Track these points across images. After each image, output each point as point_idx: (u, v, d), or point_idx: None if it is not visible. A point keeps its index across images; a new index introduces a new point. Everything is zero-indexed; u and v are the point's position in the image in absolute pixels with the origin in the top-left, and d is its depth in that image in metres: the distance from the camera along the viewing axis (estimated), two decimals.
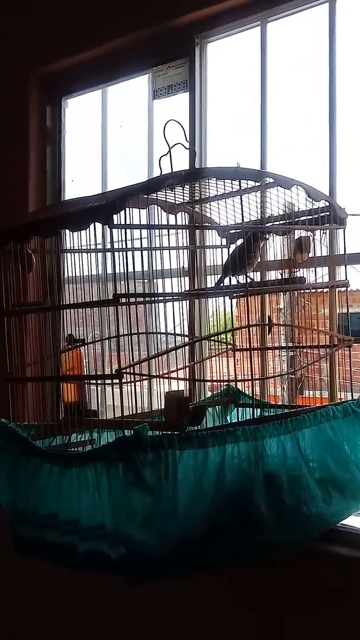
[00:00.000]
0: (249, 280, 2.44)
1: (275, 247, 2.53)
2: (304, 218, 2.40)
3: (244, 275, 2.44)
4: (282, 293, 2.64)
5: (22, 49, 3.56)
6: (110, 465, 1.91)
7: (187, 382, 2.69)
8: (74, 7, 3.36)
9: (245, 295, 2.29)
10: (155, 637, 2.96)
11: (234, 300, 2.60)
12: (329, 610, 2.44)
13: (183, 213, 2.58)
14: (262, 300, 2.58)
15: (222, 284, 2.50)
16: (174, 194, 2.38)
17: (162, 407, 2.23)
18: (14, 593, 3.52)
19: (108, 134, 3.43)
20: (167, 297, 2.32)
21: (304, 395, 2.74)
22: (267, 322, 2.58)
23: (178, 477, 1.93)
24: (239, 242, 2.48)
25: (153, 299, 2.37)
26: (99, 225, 2.18)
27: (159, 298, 2.36)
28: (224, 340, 2.68)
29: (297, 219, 2.41)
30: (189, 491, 1.96)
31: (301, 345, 2.53)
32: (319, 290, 2.52)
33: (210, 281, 2.74)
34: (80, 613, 3.25)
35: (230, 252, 2.53)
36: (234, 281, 2.47)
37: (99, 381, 2.39)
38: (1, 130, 3.67)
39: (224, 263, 2.53)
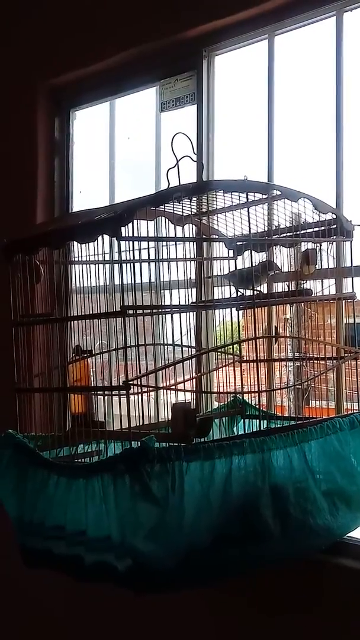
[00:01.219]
0: (256, 292, 2.44)
1: (282, 259, 2.54)
2: (310, 230, 2.41)
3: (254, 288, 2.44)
4: (288, 304, 2.64)
5: (31, 61, 3.58)
6: (117, 477, 1.92)
7: (194, 393, 2.70)
8: (82, 20, 3.38)
9: (253, 307, 2.30)
10: None
11: (241, 312, 2.60)
12: (335, 623, 2.43)
13: (190, 225, 2.59)
14: (269, 311, 2.58)
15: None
16: (182, 206, 2.39)
17: (169, 418, 2.23)
18: (19, 603, 3.52)
19: (116, 146, 3.44)
20: (174, 309, 2.32)
21: (310, 406, 2.74)
22: (273, 334, 2.58)
23: (185, 488, 1.93)
24: (252, 255, 2.47)
25: (160, 310, 2.38)
26: (107, 237, 2.20)
27: (166, 309, 2.37)
28: (231, 352, 2.68)
29: (304, 231, 2.42)
30: (195, 503, 1.96)
31: (308, 356, 2.53)
32: (330, 301, 2.53)
33: (218, 293, 2.75)
34: (84, 624, 3.24)
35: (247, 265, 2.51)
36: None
37: (106, 392, 2.40)
38: (10, 142, 3.69)
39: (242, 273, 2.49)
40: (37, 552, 2.20)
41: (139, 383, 2.07)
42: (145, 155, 3.25)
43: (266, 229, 2.46)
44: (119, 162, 3.43)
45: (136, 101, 3.37)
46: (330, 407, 2.58)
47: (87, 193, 3.59)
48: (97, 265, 2.41)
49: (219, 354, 2.72)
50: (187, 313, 2.48)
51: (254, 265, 2.43)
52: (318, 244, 2.42)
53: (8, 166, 3.68)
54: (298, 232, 2.40)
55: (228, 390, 2.68)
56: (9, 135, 3.69)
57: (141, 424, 2.19)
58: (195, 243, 2.68)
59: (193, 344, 2.71)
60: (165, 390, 2.33)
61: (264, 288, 2.53)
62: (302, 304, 2.58)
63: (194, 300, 2.73)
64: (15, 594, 3.51)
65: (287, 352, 2.70)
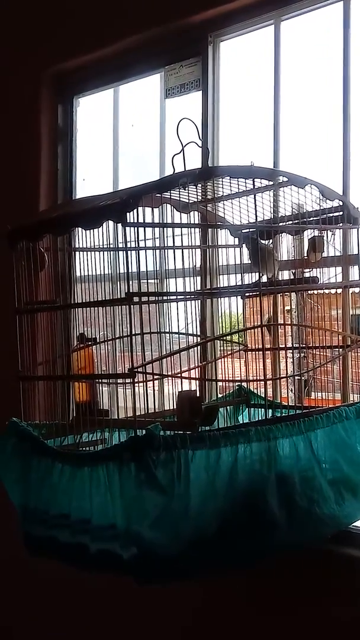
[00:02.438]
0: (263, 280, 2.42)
1: (288, 247, 2.52)
2: (317, 218, 2.38)
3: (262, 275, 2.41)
4: (291, 294, 2.62)
5: (34, 48, 3.55)
6: (123, 465, 1.90)
7: (199, 382, 2.68)
8: (86, 6, 3.35)
9: (259, 295, 2.28)
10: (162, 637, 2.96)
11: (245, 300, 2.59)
12: (340, 612, 2.42)
13: (195, 212, 2.56)
14: (274, 300, 2.56)
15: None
16: (188, 192, 2.37)
17: (174, 406, 2.22)
18: (20, 593, 3.52)
19: (120, 133, 3.42)
20: (179, 297, 2.30)
21: (311, 397, 2.73)
22: (276, 323, 2.56)
23: (190, 477, 1.92)
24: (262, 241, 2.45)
25: (166, 298, 2.36)
26: (110, 224, 2.17)
27: (172, 297, 2.35)
28: (235, 341, 2.66)
29: (310, 219, 2.39)
30: (201, 491, 1.95)
31: (314, 346, 2.51)
32: (330, 290, 2.51)
33: (223, 281, 2.73)
34: (86, 614, 3.24)
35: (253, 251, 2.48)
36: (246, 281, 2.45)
37: (111, 380, 2.38)
38: (13, 129, 3.66)
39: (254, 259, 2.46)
40: (42, 541, 2.19)
41: (144, 371, 2.05)
42: (149, 142, 3.23)
43: (272, 216, 2.43)
44: (123, 149, 3.41)
45: (140, 88, 3.34)
46: (332, 399, 2.56)
47: (91, 180, 3.57)
48: (101, 252, 2.39)
49: (222, 342, 2.70)
50: (192, 301, 2.46)
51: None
52: (325, 231, 2.40)
53: (11, 153, 3.66)
54: (305, 219, 2.37)
55: (233, 379, 2.66)
56: (13, 122, 3.67)
57: (146, 412, 2.17)
58: (200, 231, 2.65)
59: (198, 332, 2.69)
60: (170, 379, 2.32)
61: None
62: (305, 295, 2.56)
63: (199, 288, 2.71)
64: (19, 583, 3.51)
65: (290, 342, 2.67)
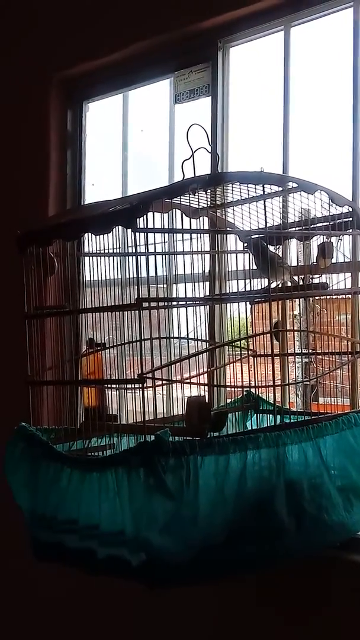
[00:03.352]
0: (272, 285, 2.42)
1: (297, 253, 2.52)
2: (326, 223, 2.38)
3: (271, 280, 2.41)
4: (297, 299, 2.62)
5: (43, 53, 3.56)
6: (132, 470, 1.90)
7: (208, 387, 2.68)
8: (95, 11, 3.36)
9: (268, 301, 2.28)
10: None
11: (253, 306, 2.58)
12: (348, 620, 2.41)
13: (204, 217, 2.57)
14: (283, 306, 2.56)
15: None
16: (198, 198, 2.37)
17: (182, 412, 2.21)
18: (27, 598, 3.52)
19: (129, 138, 3.43)
20: (189, 302, 2.30)
21: (318, 403, 2.72)
22: (285, 329, 2.56)
23: (199, 483, 1.91)
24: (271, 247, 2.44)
25: (176, 303, 2.36)
26: (119, 229, 2.18)
27: (181, 302, 2.35)
28: (243, 346, 2.66)
29: (319, 224, 2.39)
30: (210, 497, 1.94)
31: (323, 352, 2.50)
32: (337, 296, 2.50)
33: (231, 286, 2.73)
34: (90, 618, 3.23)
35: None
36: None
37: (119, 385, 2.38)
38: (22, 134, 3.67)
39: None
40: (49, 545, 2.19)
41: (153, 376, 2.05)
42: (158, 147, 3.23)
43: (281, 222, 2.43)
44: (132, 154, 3.41)
45: (150, 93, 3.34)
46: (339, 404, 2.56)
47: (100, 186, 3.58)
48: (109, 257, 2.39)
49: (230, 348, 2.70)
50: (202, 306, 2.46)
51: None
52: (335, 237, 2.40)
53: (20, 158, 3.67)
54: (314, 225, 2.37)
55: (242, 385, 2.65)
56: (22, 127, 3.68)
57: (155, 417, 2.17)
58: (209, 236, 2.65)
59: (206, 338, 2.69)
60: (178, 385, 2.31)
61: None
62: (311, 300, 2.56)
63: (207, 293, 2.71)
64: (25, 588, 3.51)
65: (295, 348, 2.67)
